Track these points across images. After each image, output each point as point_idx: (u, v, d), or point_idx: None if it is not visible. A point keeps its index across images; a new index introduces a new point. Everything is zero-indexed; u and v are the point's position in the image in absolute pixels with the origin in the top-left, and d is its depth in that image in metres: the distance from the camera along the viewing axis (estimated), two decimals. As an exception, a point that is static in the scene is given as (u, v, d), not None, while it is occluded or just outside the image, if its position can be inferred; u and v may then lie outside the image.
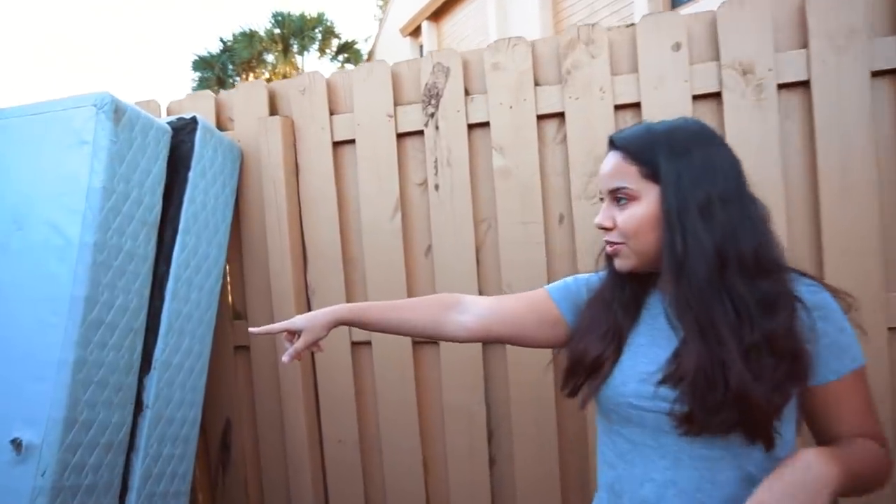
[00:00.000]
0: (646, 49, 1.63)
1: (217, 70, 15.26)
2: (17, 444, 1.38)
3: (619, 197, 0.94)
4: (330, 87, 1.94)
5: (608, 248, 0.98)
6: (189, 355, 1.76)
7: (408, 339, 1.86)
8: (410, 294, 1.88)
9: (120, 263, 1.55)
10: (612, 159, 0.96)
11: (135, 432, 1.60)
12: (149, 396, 1.62)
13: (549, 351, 1.65)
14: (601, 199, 1.00)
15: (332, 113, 1.94)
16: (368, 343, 1.92)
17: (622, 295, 1.01)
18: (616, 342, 0.98)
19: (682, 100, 1.60)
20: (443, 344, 1.82)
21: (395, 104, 1.87)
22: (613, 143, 0.97)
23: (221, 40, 16.11)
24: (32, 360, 1.43)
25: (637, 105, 1.66)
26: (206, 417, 2.11)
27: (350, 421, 1.94)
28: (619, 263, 0.97)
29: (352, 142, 1.92)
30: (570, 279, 1.15)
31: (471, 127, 1.80)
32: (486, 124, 1.79)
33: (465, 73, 1.81)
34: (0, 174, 1.60)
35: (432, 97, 1.81)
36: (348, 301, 1.94)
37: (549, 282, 1.53)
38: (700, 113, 1.61)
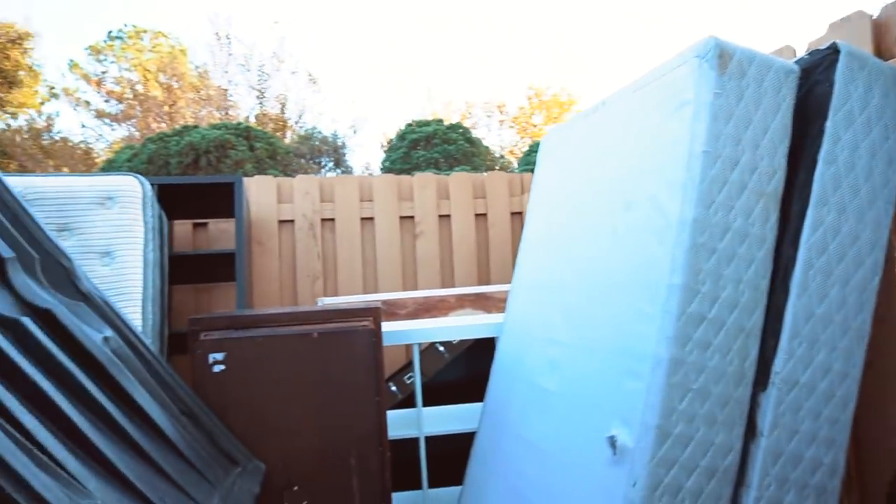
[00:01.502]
0: None
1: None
2: (612, 442, 1.26)
3: None
4: None
5: None
6: (826, 374, 1.27)
7: None
8: None
9: (726, 246, 1.24)
10: None
11: (745, 462, 1.25)
12: (764, 421, 1.24)
13: None
14: None
15: None
16: None
17: None
18: None
19: None
20: None
21: None
22: None
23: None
24: (629, 353, 1.28)
25: None
26: (866, 458, 1.54)
27: None
28: None
29: None
30: None
31: None
32: None
33: None
34: (611, 157, 1.54)
35: None
36: None
37: None
38: None
